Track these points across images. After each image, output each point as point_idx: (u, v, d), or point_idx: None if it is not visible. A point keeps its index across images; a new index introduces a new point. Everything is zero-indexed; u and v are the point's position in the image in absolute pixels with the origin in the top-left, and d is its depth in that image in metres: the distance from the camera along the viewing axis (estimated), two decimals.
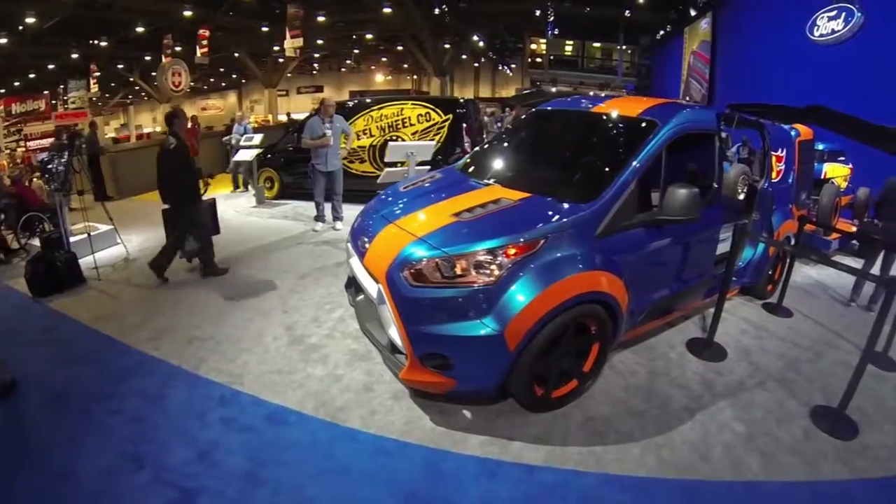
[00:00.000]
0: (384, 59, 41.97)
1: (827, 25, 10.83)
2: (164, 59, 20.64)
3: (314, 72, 45.57)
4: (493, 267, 3.07)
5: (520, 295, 3.03)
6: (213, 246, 5.94)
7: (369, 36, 30.25)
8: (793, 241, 5.40)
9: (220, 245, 6.31)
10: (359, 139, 9.20)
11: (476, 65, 40.15)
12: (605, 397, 3.65)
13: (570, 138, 4.71)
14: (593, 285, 3.27)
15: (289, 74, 36.48)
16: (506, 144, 5.04)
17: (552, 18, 24.92)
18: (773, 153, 5.43)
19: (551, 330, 3.14)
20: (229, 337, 4.40)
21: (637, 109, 4.20)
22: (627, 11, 23.31)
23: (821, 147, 8.12)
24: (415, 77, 42.99)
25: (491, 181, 4.08)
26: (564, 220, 3.34)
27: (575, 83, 28.41)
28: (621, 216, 3.51)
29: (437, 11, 24.05)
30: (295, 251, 6.75)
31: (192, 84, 25.97)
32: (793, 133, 5.80)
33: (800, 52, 11.79)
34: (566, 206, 3.46)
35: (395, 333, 3.26)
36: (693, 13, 19.61)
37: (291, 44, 20.71)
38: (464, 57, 35.73)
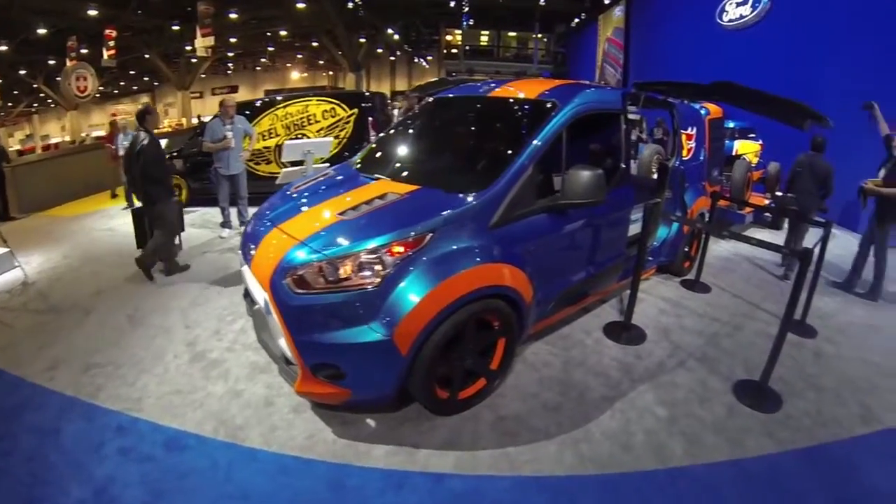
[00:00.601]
0: (299, 57, 41.36)
1: (735, 11, 11.32)
2: (68, 63, 19.19)
3: (229, 72, 44.27)
4: (378, 267, 2.84)
5: (409, 295, 2.80)
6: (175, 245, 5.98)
7: (283, 33, 29.62)
8: (707, 218, 5.41)
9: (125, 260, 6.03)
10: (264, 139, 8.79)
11: (392, 58, 39.86)
12: (517, 394, 3.48)
13: (466, 125, 4.52)
14: (490, 279, 3.08)
15: (202, 75, 35.13)
16: (401, 136, 4.76)
17: (467, 9, 25.01)
18: (683, 132, 5.43)
19: (448, 329, 2.92)
20: (130, 359, 4.05)
21: (537, 91, 4.03)
22: (542, 0, 23.60)
23: (731, 125, 8.36)
24: (331, 73, 42.41)
25: (381, 175, 3.82)
26: (453, 211, 3.10)
27: (491, 72, 28.58)
28: (519, 203, 3.32)
29: (350, 5, 23.64)
30: (201, 260, 6.39)
31: (100, 88, 24.50)
32: (702, 112, 5.87)
33: (710, 37, 12.25)
34: (455, 196, 3.23)
35: (284, 344, 2.99)
36: (607, 1, 20.06)
37: (203, 42, 19.96)
38: (379, 51, 35.48)
